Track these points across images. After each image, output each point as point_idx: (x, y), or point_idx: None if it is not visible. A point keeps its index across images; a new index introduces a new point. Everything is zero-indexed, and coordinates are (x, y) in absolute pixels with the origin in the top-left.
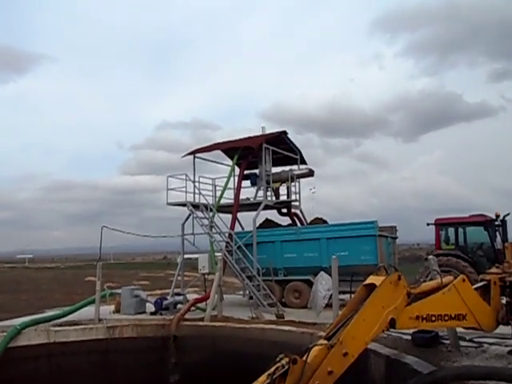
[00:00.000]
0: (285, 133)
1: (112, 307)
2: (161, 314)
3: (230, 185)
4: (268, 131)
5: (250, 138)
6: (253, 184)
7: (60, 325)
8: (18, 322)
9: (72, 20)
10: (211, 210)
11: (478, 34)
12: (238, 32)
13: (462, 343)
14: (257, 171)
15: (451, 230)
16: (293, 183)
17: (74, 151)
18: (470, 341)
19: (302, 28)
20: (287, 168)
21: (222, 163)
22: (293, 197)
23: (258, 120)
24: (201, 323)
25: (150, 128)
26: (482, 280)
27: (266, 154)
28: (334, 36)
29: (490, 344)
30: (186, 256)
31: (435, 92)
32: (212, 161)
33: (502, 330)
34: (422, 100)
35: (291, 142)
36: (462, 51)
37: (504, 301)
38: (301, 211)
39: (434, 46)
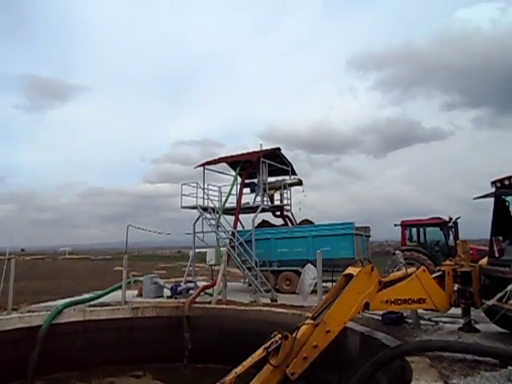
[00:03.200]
0: (279, 149)
1: (135, 292)
2: (175, 298)
3: (233, 191)
4: (264, 148)
5: (250, 152)
6: (252, 191)
7: (93, 305)
8: (59, 303)
9: (103, 57)
10: (217, 212)
11: (432, 73)
12: (240, 66)
13: (422, 322)
14: (255, 180)
15: (414, 230)
16: (285, 190)
17: (104, 164)
18: (429, 320)
19: (293, 63)
20: (280, 178)
21: (226, 174)
22: (285, 202)
23: (255, 139)
24: (209, 306)
25: (167, 145)
26: (438, 270)
27: (263, 166)
28: (317, 71)
29: (445, 322)
30: (196, 250)
31: (399, 118)
32: (218, 172)
33: (454, 311)
34: (389, 124)
35: (284, 156)
36: (419, 86)
37: (456, 287)
38: (291, 214)
39: (397, 82)
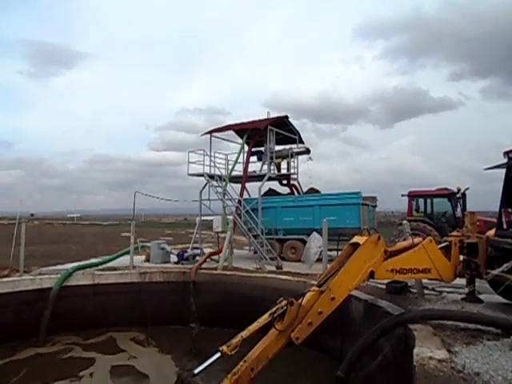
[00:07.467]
0: (286, 117)
1: (143, 257)
2: (182, 264)
3: (240, 159)
4: (272, 116)
5: (257, 120)
6: (259, 159)
7: (102, 270)
8: (69, 266)
9: (109, 23)
10: (224, 180)
11: (440, 42)
12: (246, 34)
13: (426, 291)
14: (262, 148)
15: (421, 201)
16: (292, 159)
17: (110, 131)
18: (433, 289)
19: (299, 32)
20: (288, 146)
21: (233, 141)
22: (292, 170)
23: (261, 107)
24: (215, 272)
25: (171, 113)
26: (445, 241)
27: (270, 135)
28: (323, 40)
29: (448, 292)
30: (202, 217)
31: (406, 88)
32: (225, 139)
33: (459, 281)
34: (396, 94)
35: (291, 124)
36: (427, 55)
37: (461, 258)
38: (298, 182)
39: (405, 51)
